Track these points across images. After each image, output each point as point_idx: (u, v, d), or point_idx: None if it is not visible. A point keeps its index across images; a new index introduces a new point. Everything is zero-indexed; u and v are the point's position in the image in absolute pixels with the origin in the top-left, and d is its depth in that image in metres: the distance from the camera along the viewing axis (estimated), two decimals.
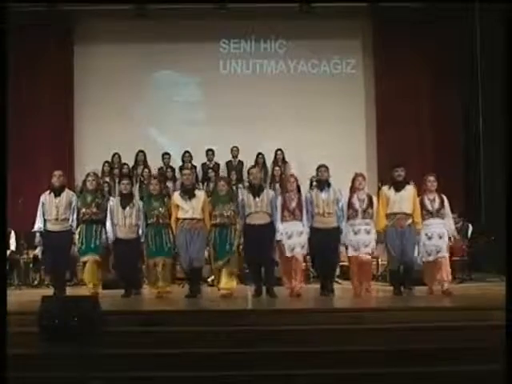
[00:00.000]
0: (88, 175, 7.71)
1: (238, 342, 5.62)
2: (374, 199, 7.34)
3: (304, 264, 7.65)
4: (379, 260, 8.98)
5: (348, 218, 7.25)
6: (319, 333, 5.80)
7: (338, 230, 7.28)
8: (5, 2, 6.21)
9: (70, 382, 5.28)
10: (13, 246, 9.53)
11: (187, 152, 10.66)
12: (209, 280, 8.42)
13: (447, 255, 7.36)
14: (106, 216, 7.47)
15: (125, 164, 10.48)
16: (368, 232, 7.20)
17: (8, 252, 9.08)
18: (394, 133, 11.43)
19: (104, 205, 7.57)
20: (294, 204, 7.27)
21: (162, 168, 10.52)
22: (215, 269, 7.40)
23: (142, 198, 8.14)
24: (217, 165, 10.72)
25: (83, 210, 7.46)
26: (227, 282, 7.27)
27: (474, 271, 9.36)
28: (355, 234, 7.19)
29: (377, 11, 11.52)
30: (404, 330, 5.83)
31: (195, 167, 10.41)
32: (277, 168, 10.48)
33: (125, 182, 7.74)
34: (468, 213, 7.37)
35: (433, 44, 11.40)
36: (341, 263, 8.36)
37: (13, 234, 9.49)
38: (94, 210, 7.47)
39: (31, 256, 9.21)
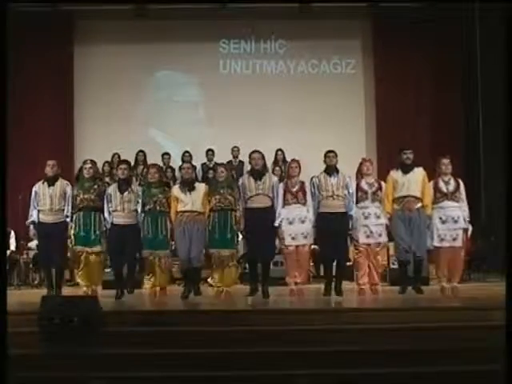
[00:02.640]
0: (85, 162, 7.44)
1: (238, 342, 5.62)
2: (383, 184, 7.13)
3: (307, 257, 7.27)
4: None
5: (357, 201, 6.99)
6: (319, 333, 5.80)
7: (346, 217, 7.00)
8: (5, 1, 6.20)
9: (70, 382, 5.28)
10: (13, 245, 9.54)
11: (187, 152, 10.66)
12: (209, 280, 8.40)
13: (462, 246, 7.08)
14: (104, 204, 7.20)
15: None
16: (378, 216, 6.97)
17: (8, 252, 9.08)
18: (393, 133, 11.44)
19: (103, 193, 7.27)
20: (297, 187, 7.02)
21: (162, 168, 10.50)
22: (211, 258, 7.12)
23: (141, 186, 7.83)
24: (217, 165, 10.68)
25: (81, 196, 7.18)
26: (227, 279, 7.16)
27: (474, 271, 9.36)
28: (366, 218, 6.96)
29: (377, 11, 11.53)
30: (404, 330, 5.83)
31: (195, 167, 10.41)
32: (277, 168, 10.48)
33: (123, 166, 7.43)
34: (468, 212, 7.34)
35: (433, 44, 11.43)
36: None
37: (13, 234, 9.50)
38: (93, 196, 7.20)
39: (31, 256, 9.21)
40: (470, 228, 7.52)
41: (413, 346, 5.57)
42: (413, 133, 11.50)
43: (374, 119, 11.72)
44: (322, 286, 7.42)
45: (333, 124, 11.45)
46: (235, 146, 10.89)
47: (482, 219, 10.48)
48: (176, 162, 10.80)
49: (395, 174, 7.17)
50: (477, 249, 9.25)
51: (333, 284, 7.25)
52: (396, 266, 7.95)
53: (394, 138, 11.34)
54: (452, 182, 7.16)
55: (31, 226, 7.39)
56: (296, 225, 6.96)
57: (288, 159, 10.69)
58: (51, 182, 7.31)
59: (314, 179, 7.20)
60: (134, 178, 9.05)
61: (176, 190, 7.28)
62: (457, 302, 6.84)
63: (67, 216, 7.27)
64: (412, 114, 11.60)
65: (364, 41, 11.92)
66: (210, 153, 10.87)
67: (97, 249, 7.23)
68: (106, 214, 7.23)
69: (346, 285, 7.82)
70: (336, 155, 7.20)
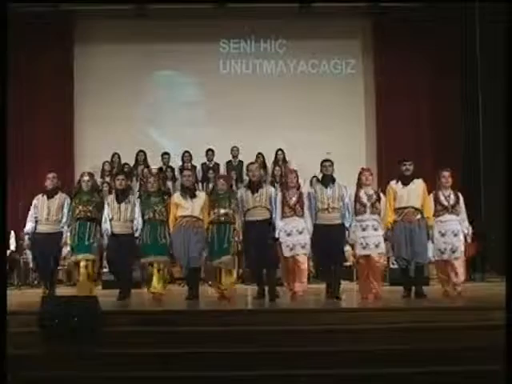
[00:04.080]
0: (82, 175, 7.53)
1: (239, 342, 5.62)
2: (382, 195, 7.11)
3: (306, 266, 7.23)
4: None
5: (356, 214, 6.97)
6: (319, 333, 5.80)
7: (342, 227, 7.02)
8: (5, 2, 6.21)
9: (70, 382, 5.28)
10: (13, 245, 9.54)
11: (187, 152, 10.66)
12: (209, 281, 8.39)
13: (463, 256, 7.13)
14: (101, 215, 7.30)
15: (125, 164, 10.50)
16: (376, 228, 6.93)
17: (8, 252, 9.08)
18: (393, 133, 11.44)
19: (101, 204, 7.38)
20: (294, 199, 7.02)
21: (161, 168, 10.52)
22: (211, 268, 7.20)
23: (140, 197, 7.96)
24: (217, 165, 10.72)
25: (79, 207, 7.27)
26: (227, 281, 7.15)
27: (474, 271, 9.36)
28: (363, 230, 6.93)
29: (377, 11, 11.52)
30: (404, 330, 5.83)
31: (195, 167, 10.42)
32: (277, 168, 10.47)
33: (120, 177, 7.58)
34: (468, 213, 7.34)
35: (433, 44, 11.41)
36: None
37: (13, 234, 9.49)
38: (91, 208, 7.29)
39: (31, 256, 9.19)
40: (471, 230, 7.52)
41: (413, 346, 5.58)
42: (413, 133, 11.49)
43: (374, 119, 11.70)
44: (322, 286, 7.41)
45: (333, 124, 11.43)
46: (235, 146, 10.89)
47: (482, 219, 10.47)
48: (176, 162, 10.79)
49: (395, 186, 7.17)
50: (477, 249, 9.24)
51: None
52: (396, 266, 7.96)
53: (394, 139, 11.34)
54: (452, 195, 7.18)
55: (26, 237, 7.54)
56: (294, 236, 6.97)
57: (288, 159, 10.77)
58: (51, 195, 7.44)
59: (310, 190, 7.24)
60: (131, 188, 9.14)
61: (177, 196, 7.34)
62: (457, 302, 6.84)
63: (63, 227, 7.37)
64: (412, 113, 11.58)
65: (364, 41, 11.91)
66: (209, 153, 10.86)
67: (90, 256, 7.26)
68: (105, 223, 7.28)
69: (346, 285, 7.84)
70: (332, 164, 7.20)
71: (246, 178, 8.98)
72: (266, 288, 7.24)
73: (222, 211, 7.09)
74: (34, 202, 7.46)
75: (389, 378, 5.24)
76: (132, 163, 10.63)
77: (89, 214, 7.29)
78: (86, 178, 7.46)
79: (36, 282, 9.22)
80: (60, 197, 7.46)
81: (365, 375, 5.27)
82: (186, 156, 10.60)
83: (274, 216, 7.09)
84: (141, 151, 10.71)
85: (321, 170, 7.26)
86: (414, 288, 7.21)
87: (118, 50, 11.57)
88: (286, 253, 6.99)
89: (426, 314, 6.23)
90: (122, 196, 7.39)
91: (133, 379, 5.31)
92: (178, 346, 5.59)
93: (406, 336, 5.72)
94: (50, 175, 7.52)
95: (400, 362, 5.38)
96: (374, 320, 6.03)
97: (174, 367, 5.37)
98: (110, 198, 7.45)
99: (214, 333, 5.79)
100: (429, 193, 7.23)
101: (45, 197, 7.43)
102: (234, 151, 10.89)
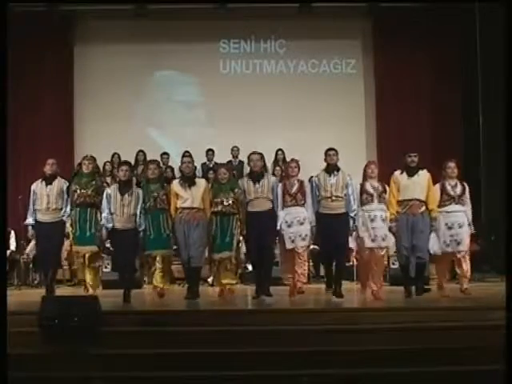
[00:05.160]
0: (85, 158, 7.34)
1: (238, 342, 5.62)
2: (387, 187, 7.05)
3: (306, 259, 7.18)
4: None
5: (362, 204, 6.90)
6: (319, 333, 5.80)
7: (346, 217, 6.92)
8: (5, 1, 6.21)
9: (70, 382, 5.28)
10: (13, 245, 9.54)
11: (187, 152, 10.62)
12: (209, 280, 8.40)
13: (467, 249, 7.07)
14: (101, 200, 7.07)
15: None
16: (383, 219, 6.86)
17: (8, 252, 9.08)
18: (393, 133, 11.44)
19: (101, 189, 7.18)
20: (295, 188, 6.95)
21: (161, 168, 10.49)
22: (212, 262, 7.15)
23: (138, 184, 7.77)
24: (217, 165, 10.70)
25: (78, 191, 7.07)
26: (226, 279, 7.14)
27: (474, 271, 9.35)
28: (372, 221, 6.85)
29: (377, 11, 11.53)
30: (404, 330, 5.83)
31: (195, 167, 10.40)
32: (277, 168, 10.48)
33: (124, 167, 7.23)
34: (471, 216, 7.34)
35: (433, 44, 11.43)
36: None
37: (13, 234, 9.49)
38: (90, 191, 7.08)
39: (31, 256, 9.20)
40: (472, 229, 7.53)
41: (413, 346, 5.57)
42: (413, 133, 11.48)
43: (374, 119, 11.71)
44: (322, 286, 7.41)
45: (333, 124, 11.43)
46: (235, 146, 10.90)
47: (482, 219, 10.47)
48: (175, 162, 10.78)
49: (400, 177, 7.08)
50: (477, 249, 9.24)
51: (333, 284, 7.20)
52: (396, 266, 7.96)
53: (394, 138, 11.35)
54: (458, 185, 7.13)
55: (29, 227, 7.41)
56: (294, 227, 6.90)
57: (288, 159, 10.75)
58: (49, 180, 7.30)
59: (314, 178, 7.13)
60: (134, 180, 9.02)
61: (176, 185, 7.18)
62: (456, 302, 6.83)
63: (63, 215, 7.23)
64: (412, 113, 11.59)
65: (364, 41, 11.91)
66: (209, 153, 10.88)
67: (91, 248, 7.12)
68: (105, 214, 7.06)
69: (346, 284, 7.82)
70: (337, 153, 7.11)
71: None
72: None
73: (226, 202, 6.99)
74: (33, 188, 7.33)
75: (389, 378, 5.24)
76: (132, 163, 10.61)
77: (88, 199, 7.08)
78: (88, 160, 7.26)
79: (36, 282, 9.23)
80: (58, 183, 7.29)
81: (365, 375, 5.27)
82: (187, 156, 10.57)
83: (275, 205, 7.00)
84: (141, 151, 10.71)
85: (325, 160, 7.13)
86: (415, 286, 7.15)
87: (118, 50, 11.57)
88: (288, 245, 6.91)
89: (426, 314, 6.23)
90: (125, 187, 7.09)
91: (133, 379, 5.31)
92: (178, 346, 5.59)
93: (407, 336, 5.71)
94: (50, 161, 7.39)
95: (400, 361, 5.38)
96: (374, 320, 6.02)
97: (174, 367, 5.37)
98: (113, 190, 7.13)
99: (213, 333, 5.79)
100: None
101: (43, 183, 7.29)
102: (234, 151, 10.90)
